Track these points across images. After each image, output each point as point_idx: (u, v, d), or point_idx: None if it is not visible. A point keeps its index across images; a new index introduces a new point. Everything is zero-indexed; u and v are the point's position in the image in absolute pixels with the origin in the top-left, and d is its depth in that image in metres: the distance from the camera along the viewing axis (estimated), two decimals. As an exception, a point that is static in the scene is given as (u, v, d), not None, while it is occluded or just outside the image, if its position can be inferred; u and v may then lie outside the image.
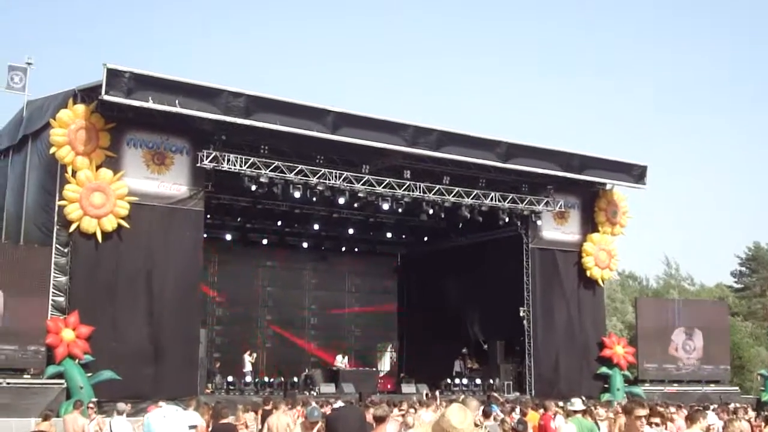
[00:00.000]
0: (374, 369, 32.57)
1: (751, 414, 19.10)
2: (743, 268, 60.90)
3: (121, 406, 16.56)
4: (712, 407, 19.61)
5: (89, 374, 20.51)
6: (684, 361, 31.29)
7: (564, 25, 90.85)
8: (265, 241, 32.70)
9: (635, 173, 28.92)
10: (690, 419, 10.36)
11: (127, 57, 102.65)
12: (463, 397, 24.32)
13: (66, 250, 21.26)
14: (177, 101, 20.69)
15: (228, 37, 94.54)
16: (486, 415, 11.98)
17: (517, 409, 17.95)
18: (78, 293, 21.18)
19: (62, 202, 20.99)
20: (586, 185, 29.48)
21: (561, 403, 17.55)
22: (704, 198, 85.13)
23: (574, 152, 27.70)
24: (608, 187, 30.04)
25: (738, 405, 22.04)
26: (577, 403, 12.96)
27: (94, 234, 21.17)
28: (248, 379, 26.75)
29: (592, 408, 15.41)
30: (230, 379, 25.92)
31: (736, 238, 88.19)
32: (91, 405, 17.79)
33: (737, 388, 33.54)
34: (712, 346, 31.77)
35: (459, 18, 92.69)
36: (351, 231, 32.97)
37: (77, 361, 20.50)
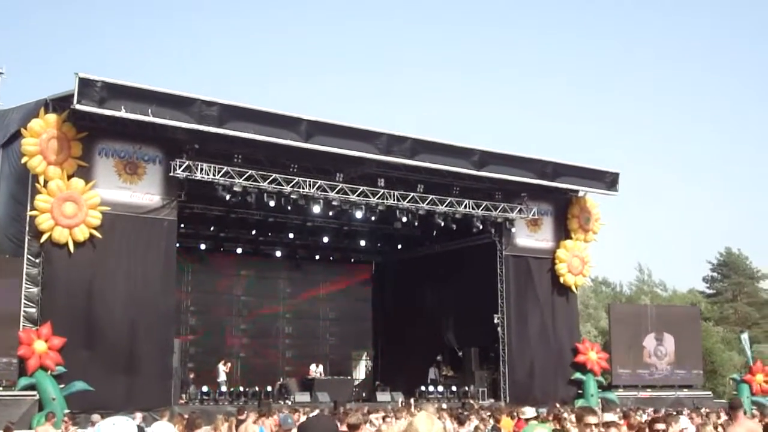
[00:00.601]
0: (349, 377, 32.53)
1: (724, 418, 19.22)
2: (715, 274, 61.42)
3: (95, 417, 16.52)
4: (684, 411, 19.73)
5: (62, 385, 20.32)
6: (657, 366, 31.51)
7: (536, 31, 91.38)
8: (239, 251, 32.61)
9: (607, 180, 29.11)
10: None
11: (99, 66, 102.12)
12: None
13: (38, 261, 21.08)
14: (150, 110, 20.60)
15: (201, 46, 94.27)
16: (460, 422, 12.04)
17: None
18: (50, 304, 20.99)
19: (33, 213, 20.82)
20: (559, 192, 29.66)
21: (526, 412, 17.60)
22: (676, 204, 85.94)
23: (547, 160, 27.84)
24: (581, 194, 30.22)
25: (710, 410, 22.19)
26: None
27: (66, 244, 21.01)
28: (223, 389, 26.64)
29: (564, 414, 15.49)
30: (205, 389, 25.78)
31: (708, 243, 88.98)
32: (65, 418, 17.72)
33: (710, 392, 33.80)
34: (684, 351, 32.01)
35: (434, 25, 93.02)
36: (325, 239, 32.96)
37: (49, 372, 20.32)
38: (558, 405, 24.51)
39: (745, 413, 13.07)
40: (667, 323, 32.23)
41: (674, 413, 15.78)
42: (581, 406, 17.21)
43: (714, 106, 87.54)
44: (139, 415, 17.70)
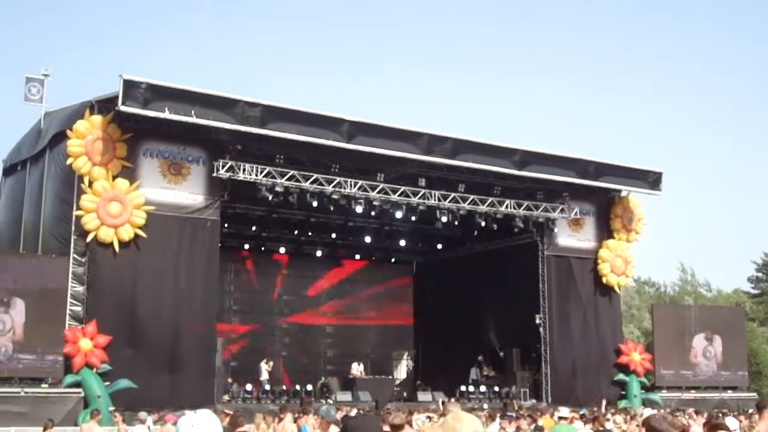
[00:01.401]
0: (390, 377, 32.56)
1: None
2: (760, 274, 60.55)
3: (142, 414, 16.72)
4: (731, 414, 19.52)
5: (107, 383, 20.64)
6: (702, 367, 31.16)
7: (578, 30, 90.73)
8: (281, 250, 32.78)
9: (650, 180, 28.88)
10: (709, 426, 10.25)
11: (143, 67, 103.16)
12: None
13: (83, 260, 21.40)
14: (193, 111, 20.83)
15: (244, 47, 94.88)
16: (491, 418, 12.11)
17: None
18: (95, 303, 21.31)
19: (79, 212, 21.14)
20: (602, 192, 29.47)
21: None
22: (720, 204, 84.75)
23: (589, 159, 27.68)
24: (623, 193, 30.00)
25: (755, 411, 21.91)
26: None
27: (111, 243, 21.32)
28: (266, 387, 26.82)
29: (608, 415, 15.43)
30: (248, 387, 25.98)
31: (753, 243, 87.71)
32: (116, 413, 17.97)
33: (755, 393, 33.34)
34: (729, 352, 31.63)
35: (474, 26, 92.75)
36: (366, 239, 33.01)
37: (95, 370, 20.63)
38: (603, 403, 24.49)
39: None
40: (711, 324, 31.86)
41: (720, 414, 15.67)
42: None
43: (758, 107, 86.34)
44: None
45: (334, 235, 32.43)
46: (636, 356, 29.63)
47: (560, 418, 13.12)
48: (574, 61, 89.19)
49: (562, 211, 28.27)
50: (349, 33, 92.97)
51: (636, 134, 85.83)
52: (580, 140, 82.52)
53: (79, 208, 21.17)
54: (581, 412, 17.00)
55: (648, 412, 13.05)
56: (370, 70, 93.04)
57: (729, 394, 30.88)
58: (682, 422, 9.71)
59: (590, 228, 29.82)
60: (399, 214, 26.14)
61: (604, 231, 29.95)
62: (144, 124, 21.65)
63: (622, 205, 30.11)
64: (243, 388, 25.90)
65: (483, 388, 29.45)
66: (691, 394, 30.18)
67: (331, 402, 25.30)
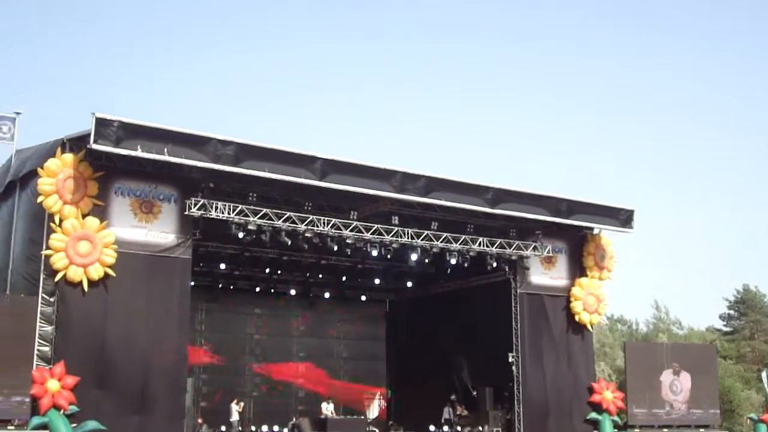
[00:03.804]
0: (362, 417, 32.33)
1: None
2: (732, 311, 61.05)
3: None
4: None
5: (74, 425, 20.26)
6: (673, 404, 31.16)
7: (550, 66, 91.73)
8: (254, 289, 32.61)
9: (622, 217, 29.01)
10: None
11: (115, 106, 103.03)
12: None
13: (52, 300, 21.08)
14: (166, 149, 20.69)
15: (217, 86, 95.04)
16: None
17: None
18: (64, 343, 20.94)
19: (48, 252, 20.88)
20: (574, 230, 29.58)
21: None
22: (692, 241, 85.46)
23: (561, 197, 27.76)
24: (595, 231, 30.13)
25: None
26: None
27: (81, 283, 21.04)
28: (237, 428, 26.52)
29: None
30: (221, 428, 25.72)
31: (725, 281, 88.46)
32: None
33: (727, 432, 33.40)
34: (701, 390, 31.63)
35: (443, 62, 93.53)
36: (339, 277, 32.94)
37: (62, 411, 20.26)
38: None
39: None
40: (683, 361, 31.89)
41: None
42: None
43: (731, 143, 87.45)
44: None
45: (306, 274, 32.34)
46: (608, 394, 29.61)
47: None
48: (548, 99, 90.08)
49: (534, 248, 28.34)
50: (323, 70, 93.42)
51: (608, 172, 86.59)
52: (552, 178, 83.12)
53: (48, 247, 20.92)
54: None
55: None
56: (342, 107, 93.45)
57: (701, 432, 30.94)
58: None
59: (563, 266, 29.88)
60: (373, 252, 26.09)
61: (577, 269, 30.04)
62: (116, 162, 21.50)
63: (595, 243, 30.23)
64: (212, 429, 25.62)
65: (456, 428, 29.29)
66: (664, 433, 30.19)
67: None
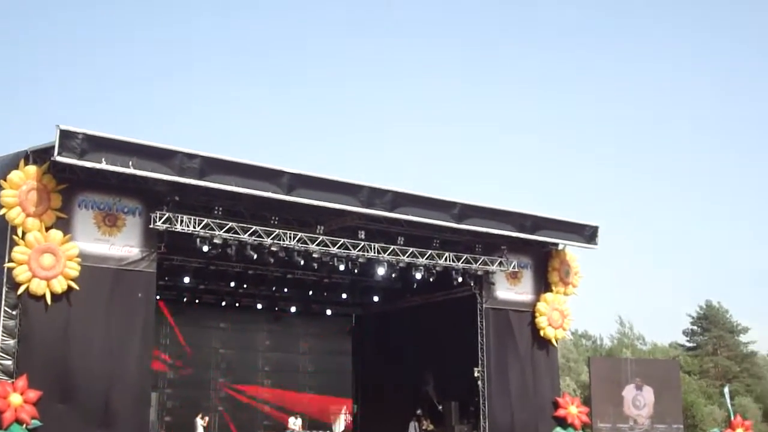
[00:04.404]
0: (329, 431, 32.24)
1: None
2: (695, 327, 61.56)
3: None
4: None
5: (36, 439, 20.06)
6: (636, 419, 31.38)
7: (514, 84, 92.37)
8: (219, 303, 32.46)
9: (587, 233, 29.22)
10: None
11: (80, 118, 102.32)
12: None
13: (14, 313, 20.86)
14: (131, 162, 20.57)
15: (182, 97, 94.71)
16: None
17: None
18: (26, 357, 20.69)
19: (10, 264, 20.67)
20: (539, 245, 29.73)
21: None
22: (656, 258, 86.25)
23: (527, 213, 27.93)
24: (560, 247, 30.31)
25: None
26: None
27: (44, 296, 20.81)
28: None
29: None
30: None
31: (688, 297, 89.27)
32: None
33: (691, 447, 33.67)
34: (664, 405, 31.89)
35: (411, 78, 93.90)
36: (305, 292, 32.90)
37: (24, 426, 20.01)
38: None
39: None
40: (647, 376, 32.15)
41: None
42: None
43: (692, 160, 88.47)
44: None
45: (272, 288, 32.25)
46: (573, 409, 29.75)
47: None
48: (513, 115, 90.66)
49: (500, 264, 28.46)
50: (291, 85, 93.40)
51: (572, 188, 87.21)
52: (516, 194, 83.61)
53: (10, 260, 20.70)
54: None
55: None
56: (309, 122, 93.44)
57: (665, 447, 31.18)
58: None
59: (528, 281, 30.01)
60: (340, 267, 26.07)
61: (542, 284, 30.19)
62: (80, 174, 21.32)
63: (559, 259, 30.41)
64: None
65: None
66: (628, 448, 30.39)
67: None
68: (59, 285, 20.96)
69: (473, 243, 28.09)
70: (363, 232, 25.94)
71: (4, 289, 20.88)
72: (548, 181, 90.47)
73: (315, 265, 26.00)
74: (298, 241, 24.59)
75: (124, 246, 22.33)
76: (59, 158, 19.86)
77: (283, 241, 24.29)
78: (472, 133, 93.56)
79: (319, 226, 25.19)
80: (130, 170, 20.64)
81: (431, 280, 27.81)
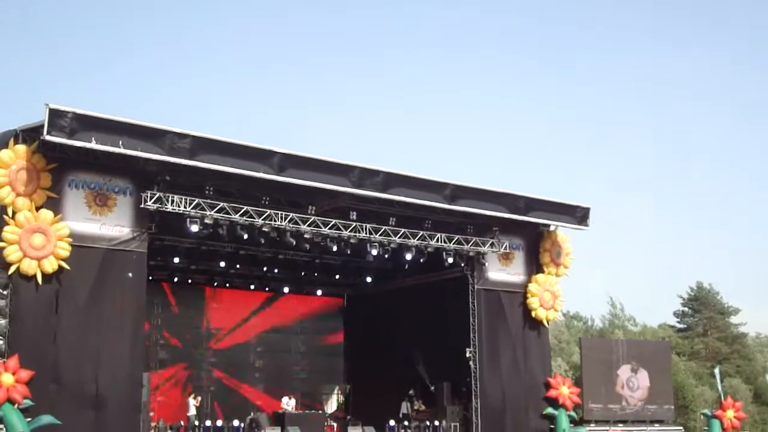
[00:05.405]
0: (321, 411, 32.30)
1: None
2: (686, 308, 61.78)
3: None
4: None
5: (28, 419, 19.97)
6: (628, 399, 31.53)
7: (510, 67, 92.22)
8: (210, 283, 32.41)
9: (578, 215, 29.23)
10: None
11: (70, 96, 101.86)
12: None
13: (5, 293, 20.79)
14: (120, 142, 20.46)
15: (176, 78, 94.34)
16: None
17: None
18: (18, 336, 20.66)
19: (1, 244, 20.60)
20: (531, 227, 29.73)
21: None
22: (647, 239, 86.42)
23: (519, 194, 27.91)
24: (552, 228, 30.32)
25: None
26: None
27: (35, 276, 20.77)
28: (194, 423, 26.38)
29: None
30: (178, 423, 25.54)
31: (679, 278, 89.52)
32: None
33: (681, 428, 33.80)
34: (655, 386, 32.06)
35: (403, 57, 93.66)
36: (297, 272, 32.86)
37: (16, 406, 19.99)
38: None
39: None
40: (638, 357, 32.28)
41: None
42: None
43: (685, 142, 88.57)
44: None
45: (264, 268, 32.21)
46: (565, 390, 29.85)
47: None
48: (504, 97, 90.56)
49: (492, 245, 28.46)
50: (284, 65, 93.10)
51: (564, 169, 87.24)
52: (510, 175, 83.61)
53: (1, 240, 20.63)
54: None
55: None
56: (302, 103, 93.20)
57: (656, 427, 31.37)
58: None
59: (520, 262, 30.05)
60: (334, 248, 26.03)
61: (534, 265, 30.23)
62: (70, 154, 21.22)
63: (551, 240, 30.44)
64: (169, 425, 25.44)
65: (413, 423, 29.36)
66: (619, 428, 30.52)
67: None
68: (50, 265, 20.91)
69: (465, 224, 28.09)
70: (355, 213, 25.89)
71: (-6, 270, 20.82)
72: (538, 163, 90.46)
73: (306, 245, 25.97)
74: (289, 221, 24.53)
75: (114, 226, 22.27)
76: (48, 137, 19.75)
77: (275, 221, 24.23)
78: (457, 116, 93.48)
79: (310, 207, 25.12)
80: (120, 149, 20.55)
81: (423, 261, 27.83)
